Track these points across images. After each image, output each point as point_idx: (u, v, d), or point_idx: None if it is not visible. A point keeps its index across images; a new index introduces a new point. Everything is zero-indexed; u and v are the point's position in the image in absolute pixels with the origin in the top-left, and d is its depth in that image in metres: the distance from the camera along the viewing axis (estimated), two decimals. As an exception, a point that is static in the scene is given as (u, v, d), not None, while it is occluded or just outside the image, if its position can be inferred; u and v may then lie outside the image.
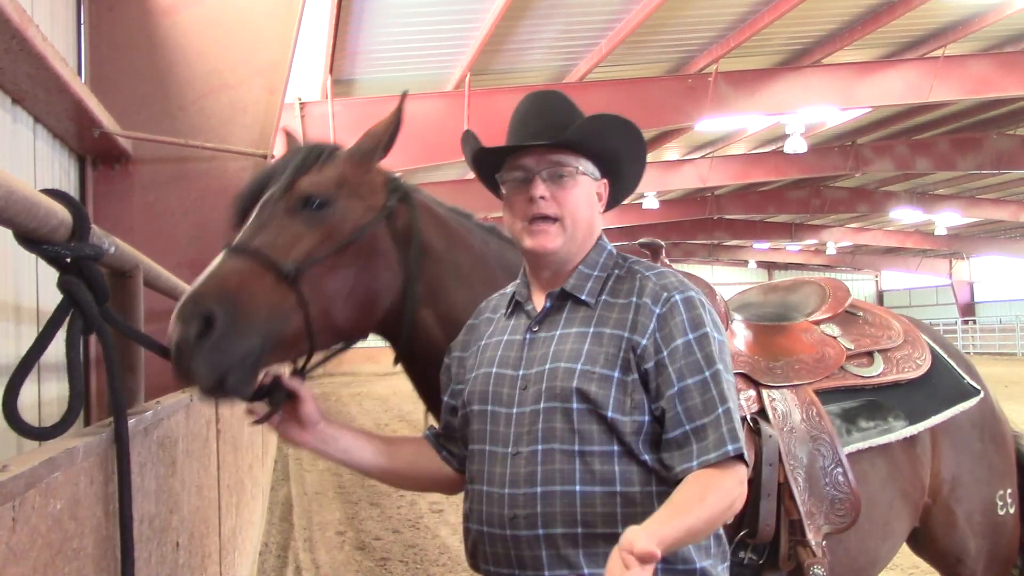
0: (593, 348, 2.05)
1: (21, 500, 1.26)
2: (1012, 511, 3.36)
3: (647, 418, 2.01)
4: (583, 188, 2.14)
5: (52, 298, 4.25)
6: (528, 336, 2.16)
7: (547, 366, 2.07)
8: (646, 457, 2.00)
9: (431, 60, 13.84)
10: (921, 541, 3.30)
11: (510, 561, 2.04)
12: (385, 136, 2.45)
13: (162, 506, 2.45)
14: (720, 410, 1.96)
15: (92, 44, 5.16)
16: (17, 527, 1.24)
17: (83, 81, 4.86)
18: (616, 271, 2.18)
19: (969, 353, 42.64)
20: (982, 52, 16.18)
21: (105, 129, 4.47)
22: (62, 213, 1.64)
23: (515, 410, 2.09)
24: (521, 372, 2.12)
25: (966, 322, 48.47)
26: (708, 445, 1.93)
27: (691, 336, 2.01)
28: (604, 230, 2.27)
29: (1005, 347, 42.53)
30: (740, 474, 1.95)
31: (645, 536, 1.67)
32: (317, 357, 2.36)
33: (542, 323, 2.16)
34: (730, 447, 1.93)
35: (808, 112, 16.84)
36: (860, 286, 60.85)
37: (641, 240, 2.91)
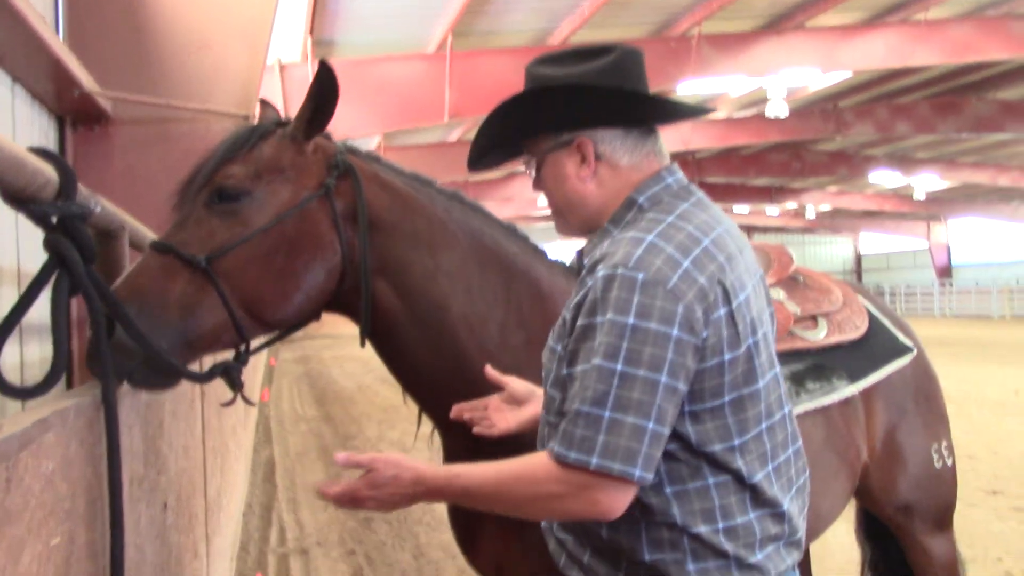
0: (560, 317, 1.95)
1: (15, 461, 1.26)
2: (949, 463, 3.49)
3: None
4: (549, 170, 2.03)
5: (33, 259, 4.21)
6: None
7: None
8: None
9: (413, 21, 13.71)
10: (865, 497, 3.41)
11: None
12: (306, 114, 2.33)
13: (150, 468, 2.44)
14: (575, 408, 1.72)
15: (69, 2, 5.07)
16: (11, 487, 1.24)
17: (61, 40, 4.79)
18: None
19: (946, 316, 43.11)
20: (963, 16, 16.19)
21: (85, 89, 4.41)
22: (49, 172, 1.62)
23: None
24: None
25: (943, 285, 48.91)
26: (562, 440, 1.73)
27: (593, 319, 1.75)
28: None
29: (981, 310, 42.99)
30: (574, 481, 1.71)
31: (406, 471, 1.86)
32: (261, 340, 2.39)
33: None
34: (557, 449, 1.72)
35: (790, 75, 16.83)
36: (838, 249, 61.27)
37: None
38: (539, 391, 2.22)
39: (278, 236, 2.27)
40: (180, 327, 2.16)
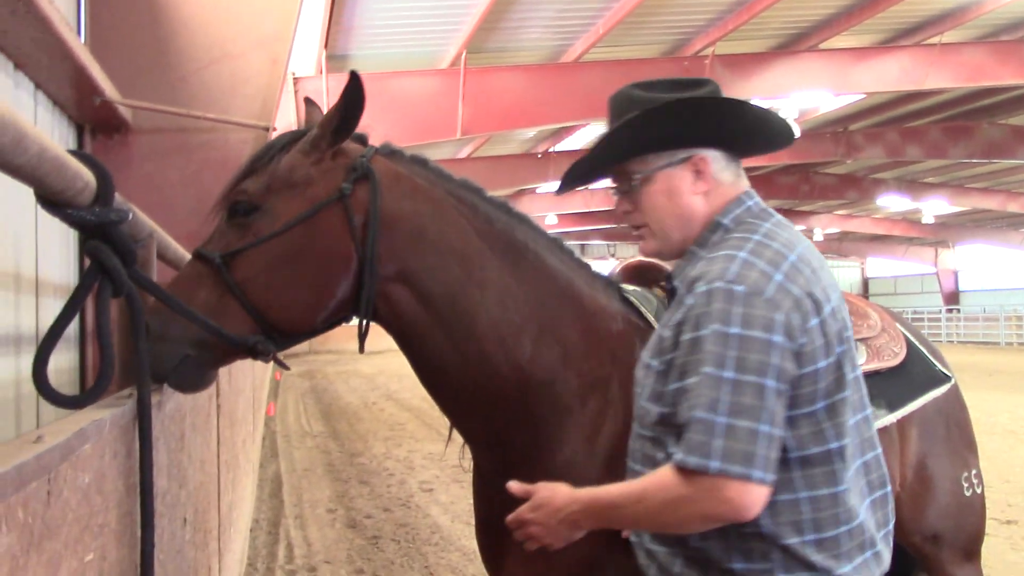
0: (655, 335, 2.07)
1: (55, 473, 1.21)
2: (979, 491, 3.46)
3: (666, 410, 1.93)
4: (659, 186, 2.10)
5: (53, 267, 4.16)
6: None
7: None
8: (673, 450, 1.89)
9: (427, 37, 13.69)
10: (894, 527, 3.34)
11: None
12: (333, 123, 2.36)
13: (172, 481, 2.40)
14: (694, 415, 1.80)
15: (93, 11, 5.04)
16: (52, 500, 1.19)
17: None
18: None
19: (953, 342, 42.98)
20: (978, 40, 16.16)
21: (106, 97, 4.37)
22: (87, 175, 1.58)
23: None
24: None
25: (950, 311, 48.77)
26: (683, 447, 1.80)
27: (700, 332, 1.84)
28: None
29: (989, 336, 42.84)
30: (700, 484, 1.77)
31: (562, 491, 2.00)
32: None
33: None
34: (678, 456, 1.80)
35: (802, 97, 16.80)
36: (846, 273, 61.15)
37: None
38: None
39: (287, 244, 2.29)
40: (204, 330, 2.22)
